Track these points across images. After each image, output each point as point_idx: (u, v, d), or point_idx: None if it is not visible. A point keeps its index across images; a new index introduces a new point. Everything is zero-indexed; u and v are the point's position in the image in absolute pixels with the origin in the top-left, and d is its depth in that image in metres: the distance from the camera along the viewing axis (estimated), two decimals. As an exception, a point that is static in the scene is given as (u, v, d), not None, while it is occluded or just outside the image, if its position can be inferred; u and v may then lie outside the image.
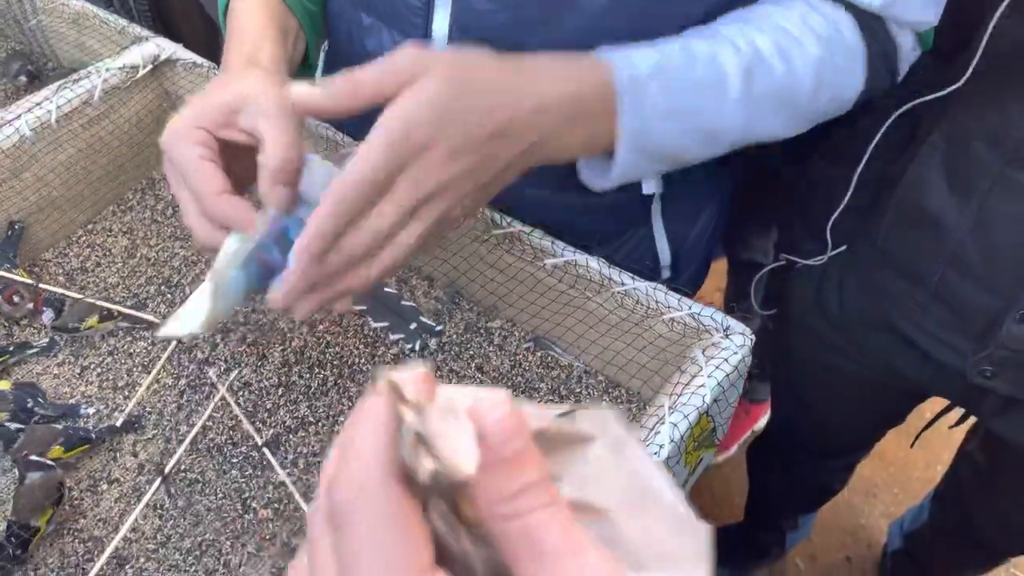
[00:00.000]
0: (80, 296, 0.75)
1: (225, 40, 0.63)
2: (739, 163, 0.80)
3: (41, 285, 0.74)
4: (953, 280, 0.75)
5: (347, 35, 0.71)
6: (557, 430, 0.23)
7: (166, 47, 0.84)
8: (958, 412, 0.93)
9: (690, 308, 0.61)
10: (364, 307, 0.74)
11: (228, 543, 0.63)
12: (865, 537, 1.56)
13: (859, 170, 0.80)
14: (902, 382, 0.89)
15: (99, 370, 0.73)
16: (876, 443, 1.21)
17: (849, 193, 0.82)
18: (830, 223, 0.86)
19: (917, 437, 1.08)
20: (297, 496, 0.65)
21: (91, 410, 0.71)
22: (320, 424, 0.69)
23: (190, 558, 0.63)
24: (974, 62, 0.66)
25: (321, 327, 0.75)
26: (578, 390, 0.71)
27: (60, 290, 0.75)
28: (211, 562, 0.62)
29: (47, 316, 0.74)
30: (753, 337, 0.59)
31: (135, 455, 0.68)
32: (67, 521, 0.64)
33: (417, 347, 0.72)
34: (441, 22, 0.62)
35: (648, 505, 0.23)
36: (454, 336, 0.74)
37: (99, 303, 0.74)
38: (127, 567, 0.62)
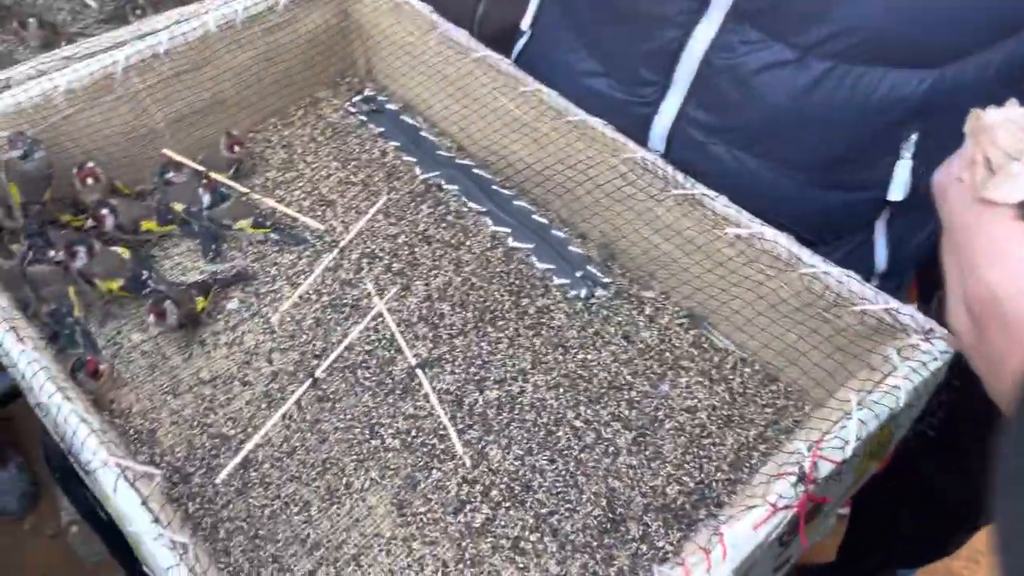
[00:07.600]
0: (247, 191, 0.75)
1: None
2: None
3: (212, 174, 0.74)
4: None
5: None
6: None
7: (353, -34, 0.83)
8: None
9: (887, 302, 0.55)
10: (531, 245, 0.71)
11: (352, 465, 0.61)
12: (962, 604, 1.45)
13: None
14: None
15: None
16: None
17: None
18: None
19: None
20: (444, 417, 0.62)
21: (232, 306, 0.70)
22: (456, 363, 0.67)
23: (312, 472, 0.61)
24: None
25: (467, 269, 0.73)
26: (731, 378, 0.66)
27: (231, 182, 0.75)
28: (333, 480, 0.60)
29: (206, 199, 0.73)
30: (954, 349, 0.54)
31: (270, 362, 0.67)
32: (197, 415, 0.64)
33: (582, 295, 0.69)
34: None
35: None
36: (603, 299, 0.71)
37: (268, 201, 0.74)
38: (251, 469, 0.61)
